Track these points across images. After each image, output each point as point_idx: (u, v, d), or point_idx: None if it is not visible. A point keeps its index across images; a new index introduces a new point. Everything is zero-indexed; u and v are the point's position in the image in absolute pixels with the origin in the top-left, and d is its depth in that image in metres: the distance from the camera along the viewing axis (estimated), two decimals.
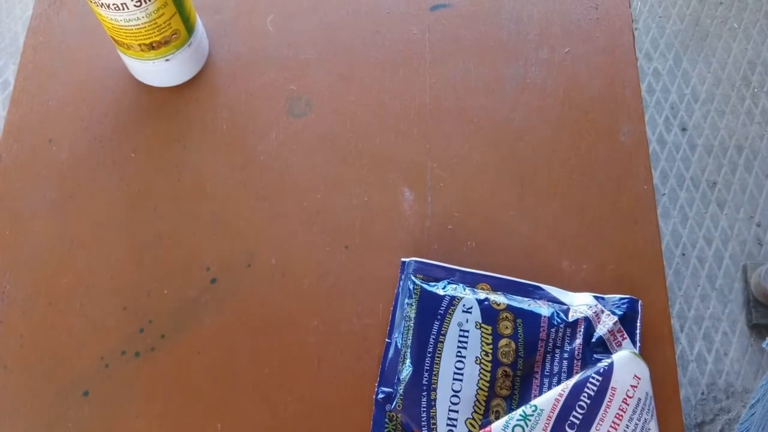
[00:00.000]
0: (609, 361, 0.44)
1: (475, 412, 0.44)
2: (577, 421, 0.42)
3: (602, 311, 0.47)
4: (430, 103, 0.56)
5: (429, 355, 0.45)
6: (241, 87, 0.57)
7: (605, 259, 0.50)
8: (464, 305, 0.47)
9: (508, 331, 0.46)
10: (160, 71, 0.55)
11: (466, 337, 0.46)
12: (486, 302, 0.47)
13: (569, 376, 0.45)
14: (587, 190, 0.53)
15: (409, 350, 0.46)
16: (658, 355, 0.47)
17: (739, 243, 1.27)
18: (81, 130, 0.55)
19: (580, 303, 0.48)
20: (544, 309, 0.47)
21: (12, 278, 0.50)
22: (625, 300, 0.48)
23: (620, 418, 0.42)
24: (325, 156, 0.54)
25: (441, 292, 0.47)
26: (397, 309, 0.48)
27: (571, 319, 0.46)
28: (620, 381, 0.43)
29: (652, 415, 0.43)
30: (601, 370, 0.43)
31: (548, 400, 0.42)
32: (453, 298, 0.47)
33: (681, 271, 1.25)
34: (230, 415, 0.47)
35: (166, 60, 0.53)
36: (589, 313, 0.47)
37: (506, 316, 0.46)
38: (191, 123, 0.55)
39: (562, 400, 0.42)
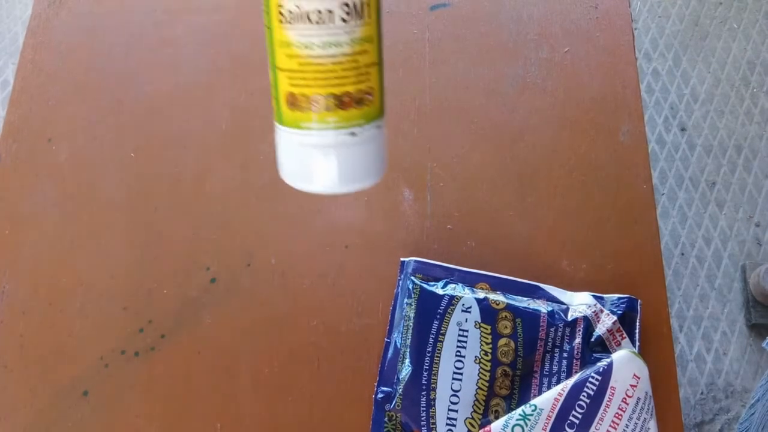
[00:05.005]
0: (608, 360, 0.44)
1: (475, 411, 0.44)
2: (577, 421, 0.42)
3: (601, 311, 0.47)
4: (430, 103, 0.56)
5: (428, 355, 0.45)
6: (241, 87, 0.57)
7: (604, 259, 0.50)
8: (463, 305, 0.47)
9: (507, 331, 0.46)
10: (339, 154, 0.34)
11: (466, 336, 0.46)
12: (485, 302, 0.47)
13: (568, 375, 0.45)
14: (587, 190, 0.53)
15: (408, 350, 0.46)
16: (657, 355, 0.47)
17: (738, 243, 1.27)
18: (81, 130, 0.55)
19: (579, 302, 0.48)
20: (543, 308, 0.47)
21: (12, 278, 0.50)
22: (625, 299, 0.48)
23: (619, 417, 0.42)
24: None
25: (440, 292, 0.47)
26: (396, 308, 0.48)
27: (570, 318, 0.46)
28: (620, 380, 0.43)
29: (651, 415, 0.43)
30: (601, 370, 0.43)
31: (548, 399, 0.42)
32: (452, 297, 0.47)
33: (680, 271, 1.25)
34: (230, 415, 0.47)
35: (352, 134, 0.33)
36: (589, 312, 0.47)
37: (505, 316, 0.46)
38: (191, 123, 0.55)
39: (562, 399, 0.42)
